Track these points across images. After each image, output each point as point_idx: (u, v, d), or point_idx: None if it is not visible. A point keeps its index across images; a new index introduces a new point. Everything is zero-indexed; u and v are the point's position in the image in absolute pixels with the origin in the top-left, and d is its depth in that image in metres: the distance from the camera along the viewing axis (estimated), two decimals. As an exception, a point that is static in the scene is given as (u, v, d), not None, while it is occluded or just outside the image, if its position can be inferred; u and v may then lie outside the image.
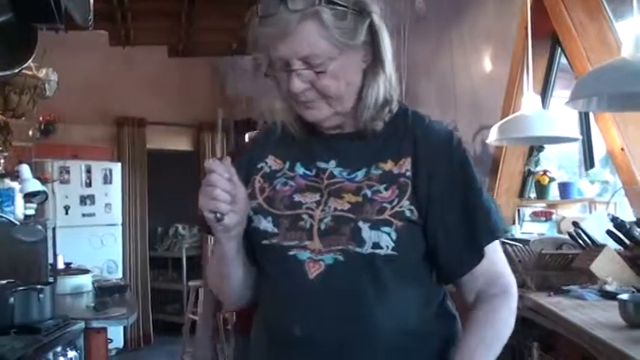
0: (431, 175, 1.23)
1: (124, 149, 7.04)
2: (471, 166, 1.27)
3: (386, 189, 1.23)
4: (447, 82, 4.65)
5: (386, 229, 1.19)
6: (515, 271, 2.98)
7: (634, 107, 2.50)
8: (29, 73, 3.49)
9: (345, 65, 1.22)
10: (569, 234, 2.88)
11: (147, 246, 7.30)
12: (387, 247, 1.18)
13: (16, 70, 2.16)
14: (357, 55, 1.24)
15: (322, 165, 1.29)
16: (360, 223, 1.19)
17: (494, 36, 4.21)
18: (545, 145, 3.97)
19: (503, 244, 3.21)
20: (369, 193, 1.23)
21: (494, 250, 1.26)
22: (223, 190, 1.17)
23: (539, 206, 3.99)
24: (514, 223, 4.13)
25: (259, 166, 1.35)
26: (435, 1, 4.71)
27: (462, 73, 4.50)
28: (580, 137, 3.33)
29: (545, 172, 3.90)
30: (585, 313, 2.25)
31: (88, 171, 6.35)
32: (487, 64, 4.32)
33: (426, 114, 1.33)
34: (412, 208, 1.21)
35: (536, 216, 3.97)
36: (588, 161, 3.73)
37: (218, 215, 1.17)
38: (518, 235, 3.82)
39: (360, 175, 1.26)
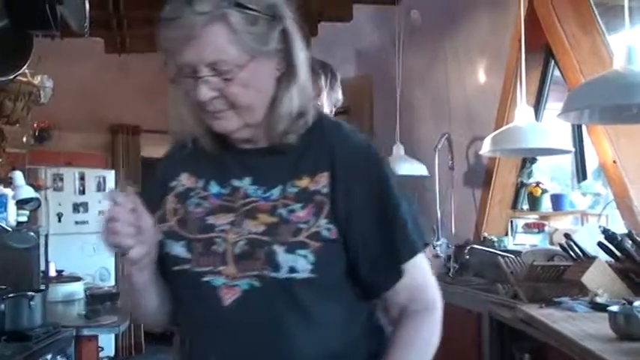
0: (349, 190, 1.17)
1: (118, 157, 7.03)
2: (389, 179, 1.21)
3: (302, 208, 1.16)
4: (442, 93, 4.67)
5: (302, 252, 1.13)
6: (507, 282, 3.01)
7: (626, 120, 2.51)
8: (24, 79, 3.48)
9: (257, 73, 1.15)
10: (561, 246, 2.89)
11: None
12: (305, 270, 1.12)
13: (11, 77, 2.16)
14: (270, 63, 1.17)
15: (236, 183, 1.22)
16: (275, 247, 1.13)
17: (488, 48, 4.23)
18: (538, 157, 3.99)
19: (495, 255, 3.25)
20: (284, 213, 1.16)
21: (416, 265, 1.20)
22: (126, 223, 1.11)
23: (532, 218, 4.00)
24: (507, 234, 4.15)
25: (172, 184, 1.27)
26: (429, 13, 4.73)
27: (457, 84, 4.52)
28: (572, 149, 3.35)
29: (537, 184, 3.92)
30: (576, 324, 2.26)
31: (82, 178, 6.33)
32: (481, 76, 4.34)
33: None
34: (330, 226, 1.15)
35: (528, 227, 3.98)
36: (580, 173, 3.75)
37: (122, 250, 1.12)
38: (510, 247, 3.83)
39: (275, 193, 1.19)
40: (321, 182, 1.18)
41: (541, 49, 3.80)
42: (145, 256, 1.16)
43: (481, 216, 4.19)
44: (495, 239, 3.95)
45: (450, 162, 4.28)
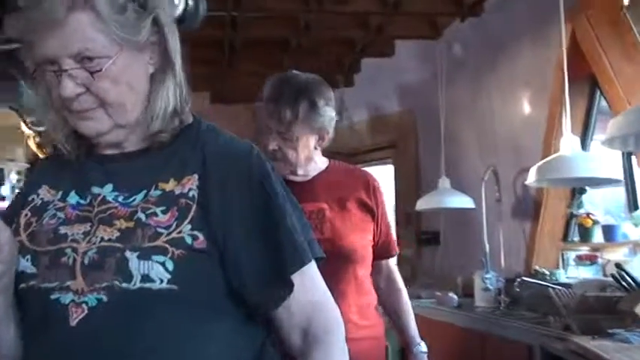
0: (225, 195, 1.06)
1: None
2: (273, 183, 1.10)
3: (164, 212, 1.03)
4: (487, 125, 4.65)
5: (159, 257, 0.99)
6: (558, 314, 2.94)
7: (674, 146, 2.47)
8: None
9: (127, 66, 1.05)
10: (613, 276, 2.82)
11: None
12: (162, 280, 0.98)
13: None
14: (142, 56, 1.08)
15: (96, 190, 1.09)
16: (128, 253, 0.99)
17: (533, 79, 4.21)
18: (587, 188, 3.92)
19: (546, 287, 3.18)
20: (143, 217, 1.04)
21: (308, 278, 1.09)
22: None
23: (584, 250, 3.91)
24: (558, 267, 4.06)
25: (30, 198, 1.15)
26: (471, 46, 4.75)
27: (501, 116, 4.50)
28: (621, 179, 3.28)
29: (588, 215, 3.84)
30: (630, 356, 2.19)
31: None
32: (526, 107, 4.31)
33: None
34: (196, 233, 1.02)
35: (580, 260, 3.89)
36: (632, 204, 3.66)
37: None
38: (562, 280, 3.75)
39: (138, 198, 1.07)
40: (188, 185, 1.06)
41: (586, 79, 3.76)
42: (3, 276, 1.01)
43: (531, 248, 4.12)
44: (547, 272, 3.86)
45: (497, 194, 4.24)
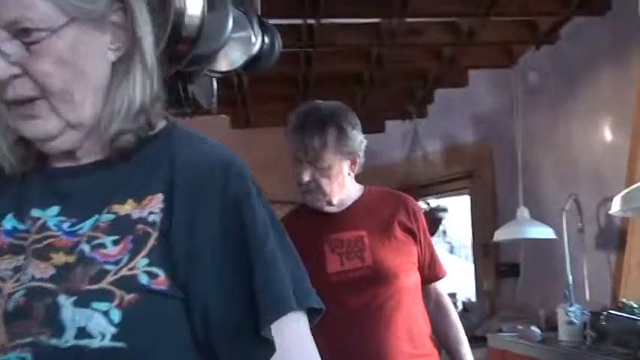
0: (193, 220, 0.82)
1: (244, 228, 7.28)
2: (253, 205, 0.85)
3: (115, 243, 0.80)
4: (565, 153, 4.54)
5: (102, 305, 0.75)
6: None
7: None
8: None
9: (77, 44, 0.82)
10: None
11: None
12: (104, 335, 0.74)
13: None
14: (100, 37, 0.85)
15: (37, 214, 0.86)
16: (62, 298, 0.76)
17: (613, 105, 4.09)
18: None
19: (636, 321, 3.05)
20: (87, 249, 0.80)
21: (290, 335, 0.83)
22: None
23: (674, 281, 3.74)
24: (648, 300, 3.89)
25: None
26: (547, 73, 4.66)
27: (581, 144, 4.38)
28: None
29: (677, 245, 3.67)
30: None
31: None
32: (607, 134, 4.18)
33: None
34: (155, 270, 0.78)
35: (671, 292, 3.71)
36: None
37: None
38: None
39: (87, 225, 0.83)
40: (150, 207, 0.83)
41: (671, 103, 3.64)
42: None
43: (617, 280, 3.96)
44: (635, 305, 3.70)
45: (579, 224, 4.11)
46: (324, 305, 0.91)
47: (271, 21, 2.31)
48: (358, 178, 2.16)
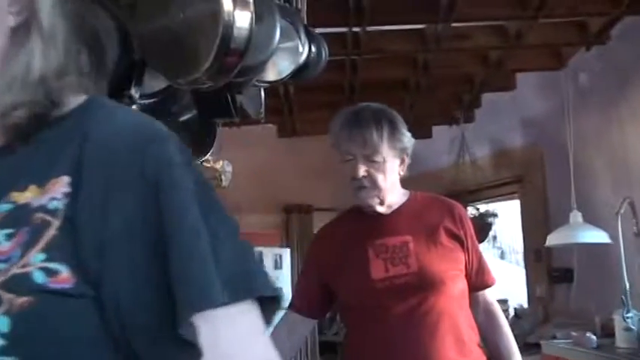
0: (105, 204, 0.67)
1: (293, 235, 7.33)
2: (174, 178, 0.69)
3: (9, 237, 0.66)
4: (619, 155, 4.44)
5: None
6: None
7: None
8: (208, 165, 3.80)
9: None
10: None
11: (316, 330, 7.40)
12: None
13: (199, 161, 2.38)
14: None
15: None
16: None
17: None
18: None
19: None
20: None
21: (227, 326, 0.67)
22: None
23: None
24: None
25: None
26: (598, 74, 4.57)
27: (635, 146, 4.28)
28: None
29: None
30: None
31: (260, 256, 6.65)
32: (662, 136, 4.08)
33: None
34: (55, 266, 0.65)
35: None
36: None
37: None
38: None
39: None
40: (52, 192, 0.69)
41: None
42: None
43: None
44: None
45: (635, 227, 4.00)
46: (279, 291, 0.73)
47: (317, 30, 2.33)
48: (406, 184, 2.15)
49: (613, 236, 4.10)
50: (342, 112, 2.07)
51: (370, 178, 1.94)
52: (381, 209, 2.00)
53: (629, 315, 3.63)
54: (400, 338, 1.85)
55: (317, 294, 2.07)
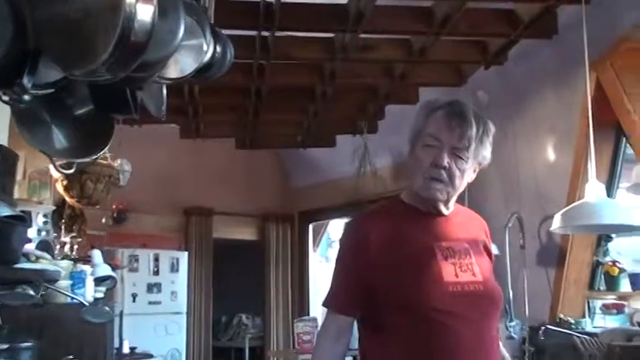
0: None
1: (192, 238, 7.21)
2: None
3: None
4: (511, 172, 4.64)
5: None
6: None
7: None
8: (105, 162, 3.69)
9: None
10: (640, 325, 2.77)
11: (210, 335, 7.32)
12: None
13: (93, 158, 2.30)
14: None
15: None
16: None
17: (558, 126, 4.21)
18: (613, 235, 3.88)
19: (572, 336, 3.13)
20: None
21: None
22: None
23: (610, 298, 3.85)
24: (584, 316, 4.00)
25: None
26: (495, 92, 4.77)
27: (526, 162, 4.49)
28: (648, 226, 3.24)
29: (614, 263, 3.79)
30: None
31: (156, 259, 6.51)
32: (551, 154, 4.30)
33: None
34: None
35: (607, 309, 3.83)
36: (659, 252, 3.61)
37: None
38: (589, 329, 3.69)
39: None
40: None
41: (611, 125, 3.77)
42: None
43: (556, 296, 4.07)
44: (572, 321, 3.81)
45: (522, 241, 4.20)
46: None
47: (226, 31, 2.31)
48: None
49: (501, 248, 4.28)
50: (433, 100, 1.93)
51: (450, 172, 1.81)
52: (442, 209, 1.88)
53: (512, 324, 3.80)
54: (463, 348, 1.72)
55: (360, 294, 1.81)
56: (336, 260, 1.89)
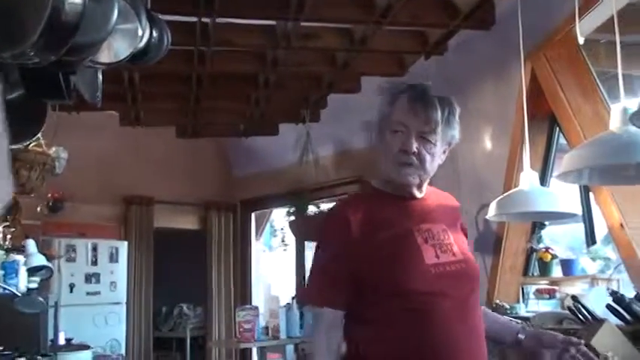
0: None
1: (131, 228, 7.10)
2: None
3: None
4: (451, 161, 4.72)
5: None
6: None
7: (625, 181, 2.54)
8: (39, 149, 3.58)
9: None
10: (569, 309, 2.87)
11: (151, 326, 7.23)
12: None
13: (25, 144, 2.24)
14: None
15: None
16: None
17: (495, 116, 4.30)
18: (547, 223, 4.00)
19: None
20: None
21: None
22: None
23: (543, 284, 3.97)
24: (518, 301, 4.11)
25: None
26: (435, 83, 4.82)
27: (464, 152, 4.57)
28: (578, 213, 3.36)
29: (547, 250, 3.91)
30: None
31: (94, 249, 6.39)
32: (488, 144, 4.40)
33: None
34: None
35: (539, 293, 3.94)
36: (589, 238, 3.74)
37: None
38: (522, 314, 3.79)
39: None
40: None
41: (546, 116, 3.87)
42: None
43: (492, 282, 4.17)
44: (507, 306, 3.91)
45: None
46: None
47: (165, 17, 2.27)
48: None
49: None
50: (395, 83, 1.94)
51: (419, 156, 1.83)
52: (416, 193, 1.90)
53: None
54: (461, 322, 1.75)
55: (345, 283, 1.80)
56: (318, 252, 1.89)
